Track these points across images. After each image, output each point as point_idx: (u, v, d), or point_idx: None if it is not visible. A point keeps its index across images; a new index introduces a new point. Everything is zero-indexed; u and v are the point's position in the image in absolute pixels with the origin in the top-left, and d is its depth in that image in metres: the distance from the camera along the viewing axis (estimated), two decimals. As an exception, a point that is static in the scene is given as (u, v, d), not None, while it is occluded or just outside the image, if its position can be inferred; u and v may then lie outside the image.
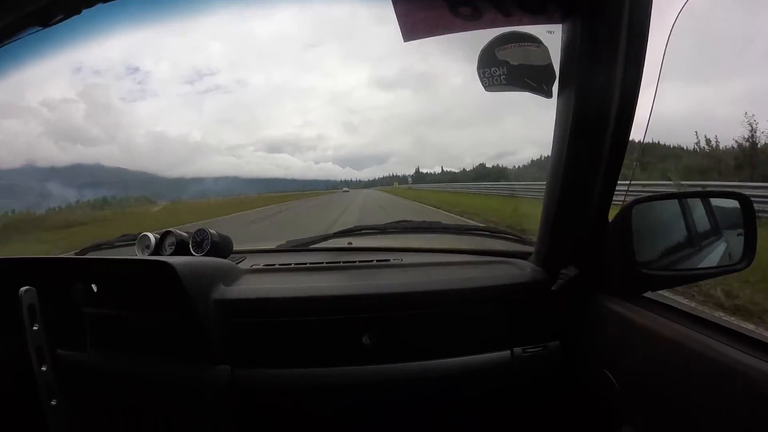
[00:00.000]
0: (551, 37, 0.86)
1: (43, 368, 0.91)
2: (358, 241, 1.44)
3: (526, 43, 0.86)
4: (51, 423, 0.91)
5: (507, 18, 0.83)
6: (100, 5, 0.94)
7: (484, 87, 0.88)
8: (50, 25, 0.95)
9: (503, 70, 0.87)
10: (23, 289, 0.90)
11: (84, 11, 0.95)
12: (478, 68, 0.88)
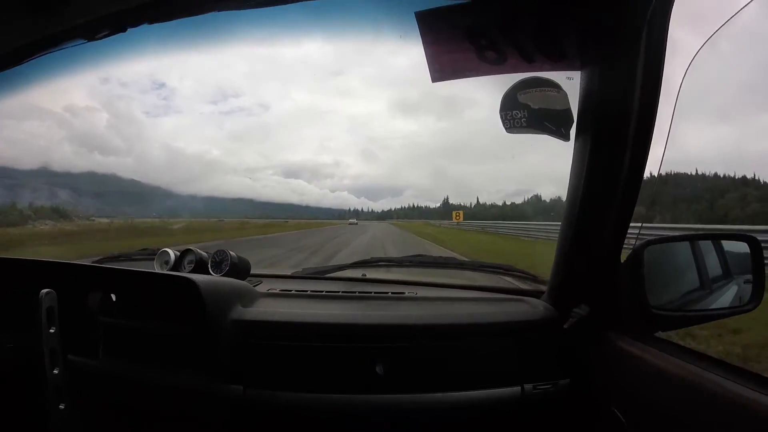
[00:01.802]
0: (570, 82, 0.90)
1: (55, 371, 0.91)
2: (373, 273, 1.46)
3: (546, 88, 0.90)
4: (57, 427, 0.91)
5: (529, 64, 0.87)
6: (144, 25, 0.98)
7: (506, 129, 0.92)
8: (94, 40, 0.98)
9: (524, 114, 0.91)
10: (44, 291, 0.90)
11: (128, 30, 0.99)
12: (501, 110, 0.92)
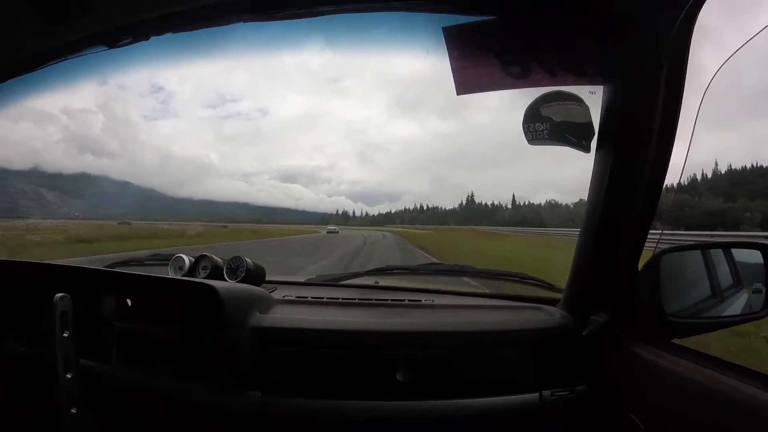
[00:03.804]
0: (592, 96, 0.93)
1: (68, 376, 0.90)
2: (388, 281, 1.46)
3: (569, 102, 0.92)
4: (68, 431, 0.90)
5: (553, 78, 0.90)
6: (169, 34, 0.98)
7: (528, 141, 0.94)
8: (116, 47, 0.98)
9: (546, 126, 0.93)
10: (59, 295, 0.90)
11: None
12: (524, 123, 0.94)
